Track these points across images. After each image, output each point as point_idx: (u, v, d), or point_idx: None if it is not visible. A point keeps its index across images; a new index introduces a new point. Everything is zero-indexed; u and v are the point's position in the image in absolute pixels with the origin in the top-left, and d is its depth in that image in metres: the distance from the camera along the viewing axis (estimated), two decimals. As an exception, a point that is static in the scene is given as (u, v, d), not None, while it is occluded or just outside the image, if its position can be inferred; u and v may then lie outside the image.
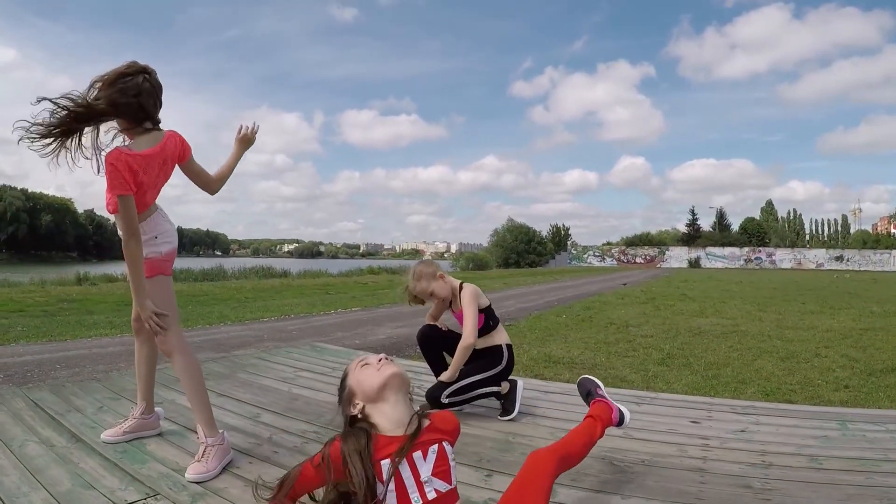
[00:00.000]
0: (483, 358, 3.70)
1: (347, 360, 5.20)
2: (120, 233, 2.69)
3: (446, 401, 3.53)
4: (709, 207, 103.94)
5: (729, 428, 3.42)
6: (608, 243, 75.25)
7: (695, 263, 62.37)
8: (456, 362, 3.56)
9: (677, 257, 64.54)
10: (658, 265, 62.23)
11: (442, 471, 1.86)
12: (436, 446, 1.90)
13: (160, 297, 2.86)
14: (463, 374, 3.59)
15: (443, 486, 1.85)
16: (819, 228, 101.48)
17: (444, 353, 3.86)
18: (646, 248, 68.08)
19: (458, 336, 3.63)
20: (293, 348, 6.46)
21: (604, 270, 51.94)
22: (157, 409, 3.30)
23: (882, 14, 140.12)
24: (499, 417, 3.67)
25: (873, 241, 73.49)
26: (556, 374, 6.03)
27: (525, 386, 3.92)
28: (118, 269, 27.85)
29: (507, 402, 3.69)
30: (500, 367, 3.70)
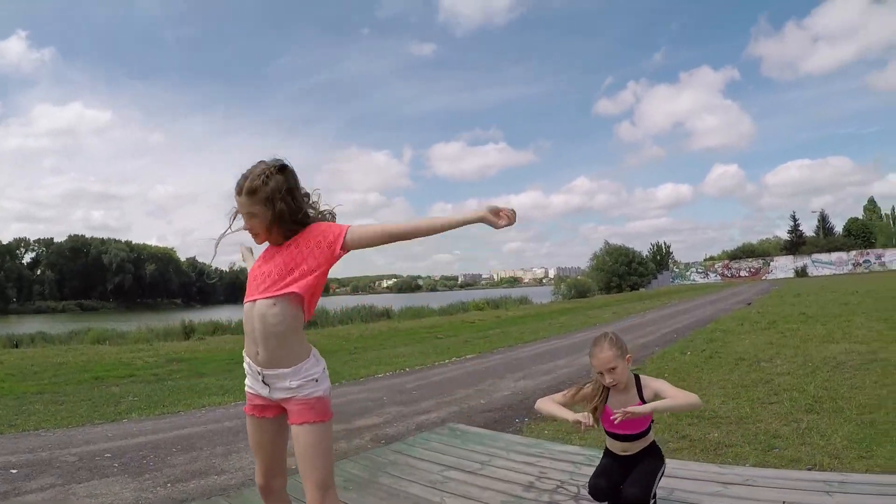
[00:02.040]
0: (649, 457, 3.39)
1: (492, 446, 5.27)
2: None
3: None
4: (811, 212, 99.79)
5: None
6: (710, 258, 73.42)
7: (801, 272, 60.13)
8: (668, 406, 3.24)
9: (783, 267, 62.43)
10: (763, 277, 60.32)
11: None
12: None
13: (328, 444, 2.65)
14: (647, 480, 3.25)
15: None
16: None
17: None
18: (749, 259, 66.22)
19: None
20: (432, 435, 5.90)
21: (711, 288, 50.60)
22: None
23: None
24: None
25: None
26: (703, 434, 5.94)
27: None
28: (223, 314, 28.91)
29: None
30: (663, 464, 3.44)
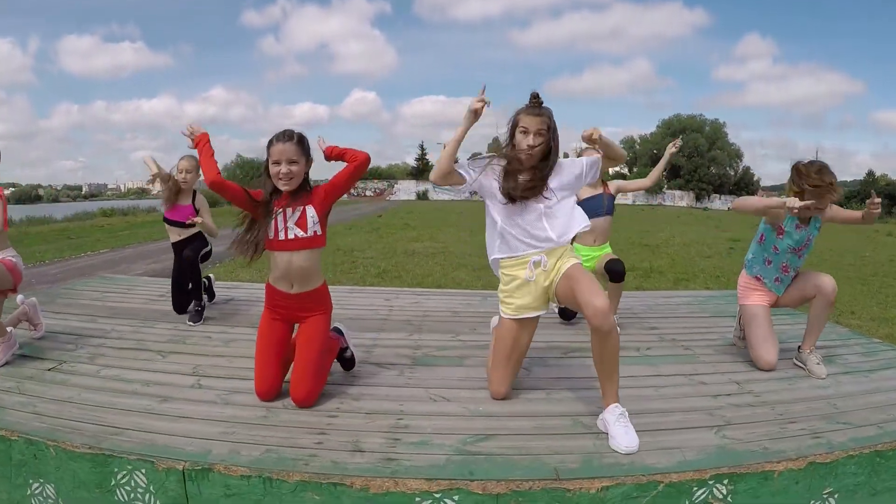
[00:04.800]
0: None
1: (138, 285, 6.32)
2: None
3: None
4: (437, 143, 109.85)
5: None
6: (336, 175, 76.97)
7: (422, 196, 66.30)
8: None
9: (406, 190, 67.98)
10: (387, 198, 65.28)
11: (300, 223, 3.05)
12: (301, 208, 3.07)
13: None
14: None
15: (300, 233, 3.04)
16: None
17: None
18: (375, 181, 70.84)
19: None
20: (88, 280, 6.79)
21: (337, 204, 53.96)
22: None
23: None
24: None
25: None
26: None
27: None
28: None
29: None
30: None
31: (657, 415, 2.86)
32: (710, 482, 2.24)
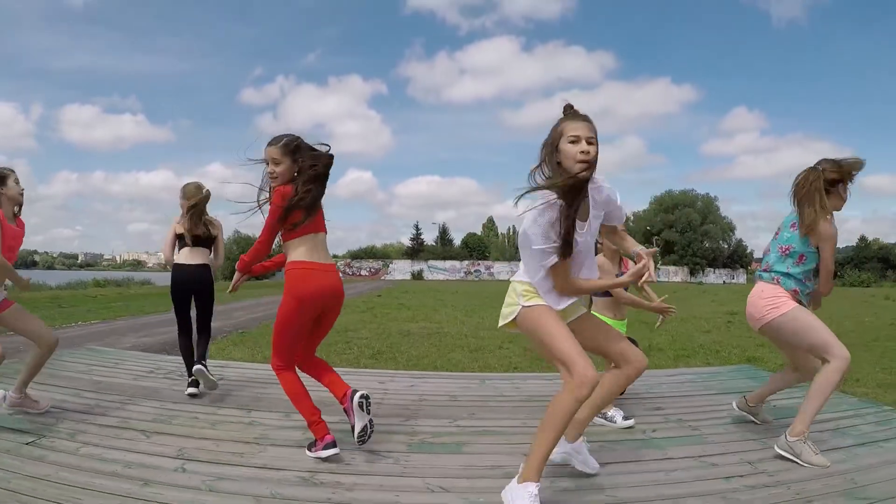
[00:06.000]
0: None
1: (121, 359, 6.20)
2: None
3: None
4: (431, 223, 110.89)
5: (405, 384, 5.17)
6: (335, 256, 77.44)
7: (417, 276, 66.67)
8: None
9: (401, 269, 68.43)
10: (382, 277, 65.56)
11: None
12: None
13: None
14: None
15: None
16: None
17: None
18: (370, 260, 71.26)
19: None
20: (74, 351, 6.73)
21: (329, 283, 54.08)
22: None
23: (604, 55, 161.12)
24: None
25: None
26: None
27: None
28: None
29: None
30: None
31: (670, 500, 2.76)
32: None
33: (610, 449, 3.50)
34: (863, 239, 74.59)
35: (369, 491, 2.86)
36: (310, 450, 3.31)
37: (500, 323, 2.85)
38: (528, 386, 5.27)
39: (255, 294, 28.17)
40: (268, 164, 3.41)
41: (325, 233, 3.59)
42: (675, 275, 66.22)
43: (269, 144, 3.41)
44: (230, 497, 2.73)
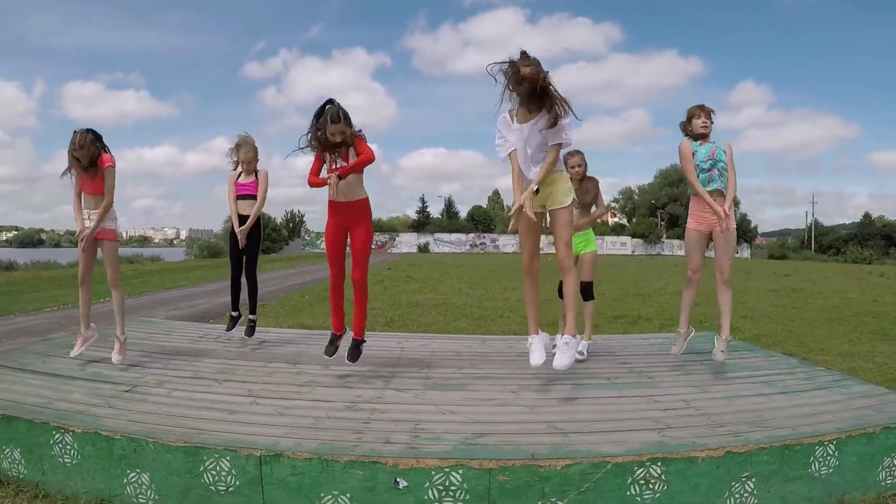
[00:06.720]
0: None
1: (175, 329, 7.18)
2: None
3: None
4: (437, 196, 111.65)
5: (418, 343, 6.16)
6: (342, 229, 77.68)
7: (424, 248, 67.51)
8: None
9: (407, 243, 69.26)
10: (389, 250, 66.20)
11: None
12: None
13: None
14: None
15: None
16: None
17: None
18: (377, 233, 71.69)
19: None
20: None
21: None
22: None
23: (610, 26, 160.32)
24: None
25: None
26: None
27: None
28: None
29: None
30: None
31: (614, 422, 3.75)
32: (647, 464, 3.09)
33: (578, 388, 4.50)
34: (867, 216, 75.07)
35: (397, 413, 3.86)
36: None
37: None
38: (520, 345, 6.15)
39: (266, 269, 29.17)
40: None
41: None
42: (679, 248, 66.81)
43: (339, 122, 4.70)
44: (297, 418, 3.71)
